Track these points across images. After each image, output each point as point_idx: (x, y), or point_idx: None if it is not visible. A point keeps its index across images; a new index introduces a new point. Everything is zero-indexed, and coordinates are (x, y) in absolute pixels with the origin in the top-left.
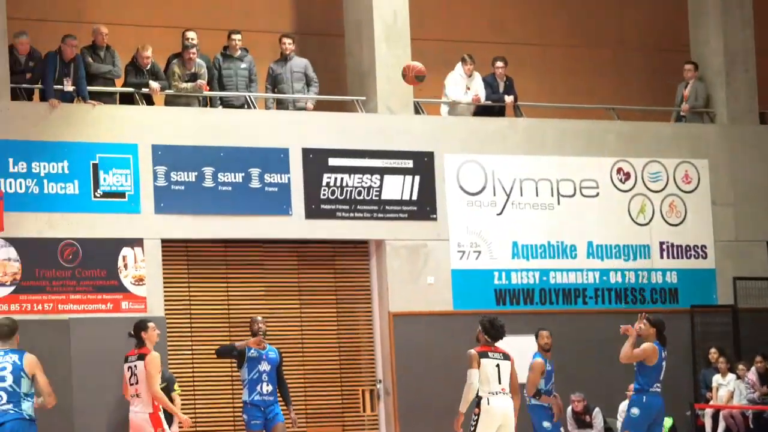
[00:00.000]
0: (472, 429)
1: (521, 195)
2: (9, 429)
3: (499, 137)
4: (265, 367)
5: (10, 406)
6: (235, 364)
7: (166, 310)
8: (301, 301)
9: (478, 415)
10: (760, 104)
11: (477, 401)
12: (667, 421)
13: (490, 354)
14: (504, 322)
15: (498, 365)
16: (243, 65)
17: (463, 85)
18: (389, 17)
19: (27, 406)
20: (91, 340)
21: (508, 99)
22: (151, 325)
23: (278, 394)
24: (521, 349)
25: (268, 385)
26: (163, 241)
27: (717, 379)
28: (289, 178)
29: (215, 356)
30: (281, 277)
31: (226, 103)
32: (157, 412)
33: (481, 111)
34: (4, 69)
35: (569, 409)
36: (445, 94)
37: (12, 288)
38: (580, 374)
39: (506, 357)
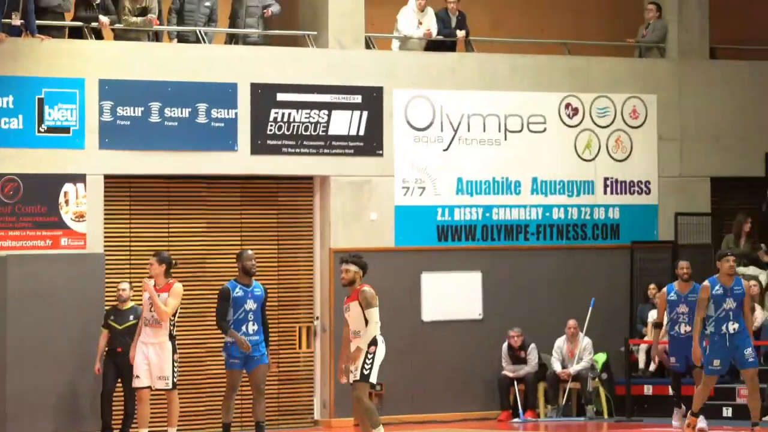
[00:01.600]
0: None
1: (468, 130)
2: None
3: (448, 73)
4: (251, 306)
5: None
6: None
7: (105, 247)
8: (242, 238)
9: None
10: (711, 39)
11: None
12: (601, 356)
13: None
14: None
15: None
16: (207, 3)
17: (415, 19)
18: None
19: None
20: (28, 278)
21: (460, 34)
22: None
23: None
24: (464, 285)
25: (253, 324)
26: (106, 177)
27: (653, 314)
28: (236, 114)
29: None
30: (223, 214)
31: (182, 38)
32: None
33: (432, 46)
34: None
35: (505, 344)
36: (397, 29)
37: None
38: (519, 310)
39: None
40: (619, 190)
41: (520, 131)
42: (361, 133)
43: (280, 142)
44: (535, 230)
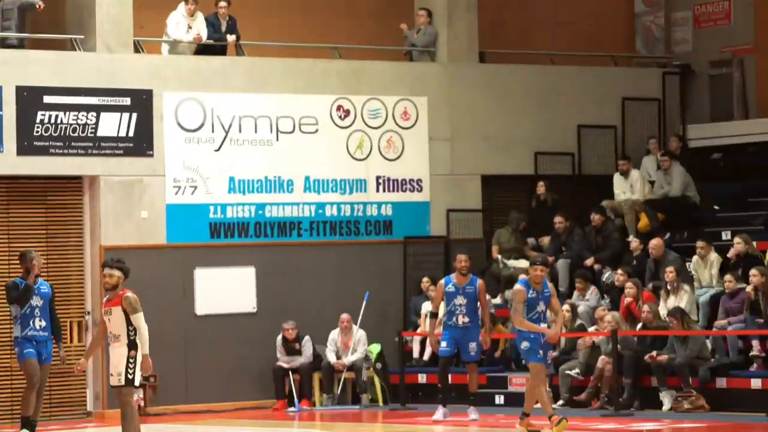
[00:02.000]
0: None
1: (240, 131)
2: None
3: (219, 76)
4: (37, 302)
5: None
6: None
7: None
8: (9, 236)
9: None
10: (481, 44)
11: None
12: (376, 347)
13: None
14: None
15: None
16: None
17: (184, 24)
18: None
19: None
20: None
21: (230, 38)
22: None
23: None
24: (238, 280)
25: (41, 320)
26: None
27: (427, 306)
28: (1, 116)
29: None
30: None
31: None
32: None
33: (202, 50)
34: None
35: (279, 336)
36: (167, 33)
37: None
38: (293, 304)
39: None
40: (391, 188)
41: (292, 132)
42: (131, 134)
43: (47, 143)
44: (309, 227)
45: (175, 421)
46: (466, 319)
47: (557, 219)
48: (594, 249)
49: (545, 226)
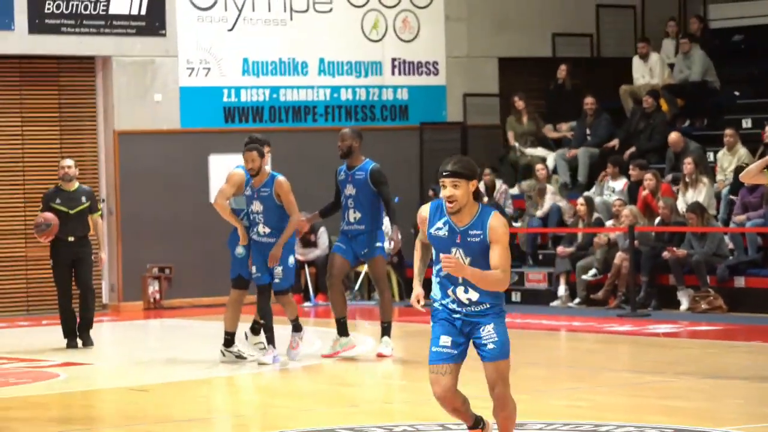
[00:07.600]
0: None
1: (253, 10)
2: None
3: None
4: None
5: None
6: None
7: None
8: (22, 119)
9: None
10: None
11: None
12: None
13: None
14: None
15: None
16: None
17: None
18: None
19: None
20: None
21: None
22: None
23: None
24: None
25: None
26: None
27: None
28: None
29: None
30: (1, 95)
31: None
32: None
33: None
34: None
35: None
36: None
37: None
38: (308, 192)
39: None
40: (407, 71)
41: (306, 11)
42: (143, 12)
43: (59, 21)
44: (323, 111)
45: (190, 315)
46: None
47: (588, 100)
48: (619, 135)
49: (563, 112)
